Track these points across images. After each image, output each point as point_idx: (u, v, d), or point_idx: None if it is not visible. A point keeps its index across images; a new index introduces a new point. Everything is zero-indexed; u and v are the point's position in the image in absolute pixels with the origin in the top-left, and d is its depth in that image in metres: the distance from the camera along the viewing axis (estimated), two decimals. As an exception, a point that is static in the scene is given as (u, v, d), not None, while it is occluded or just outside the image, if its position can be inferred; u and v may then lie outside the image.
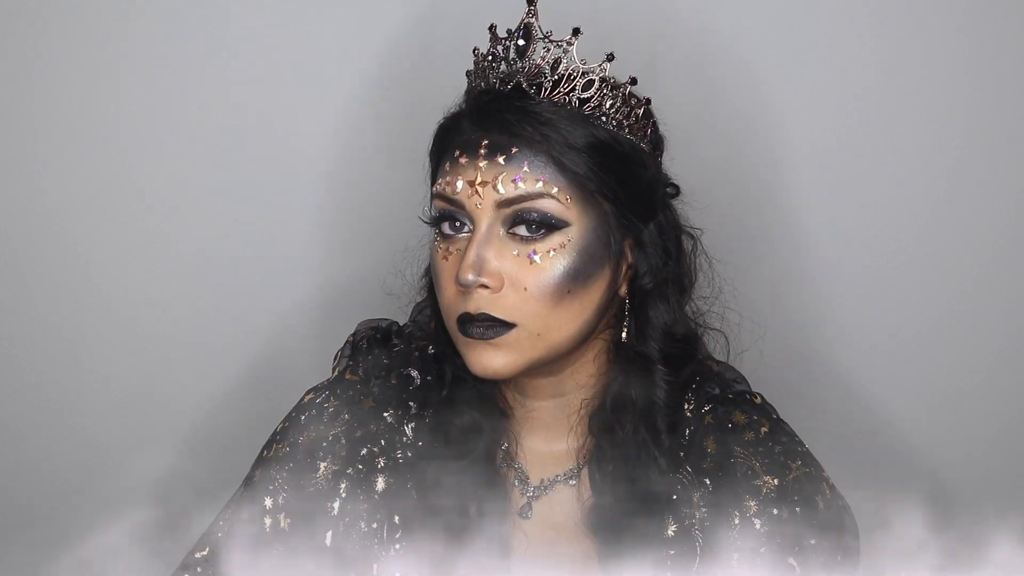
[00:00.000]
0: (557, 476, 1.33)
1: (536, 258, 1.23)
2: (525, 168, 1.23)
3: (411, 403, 1.37)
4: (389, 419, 1.36)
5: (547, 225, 1.23)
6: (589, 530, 1.30)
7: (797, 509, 1.26)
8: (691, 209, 1.39)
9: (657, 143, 1.34)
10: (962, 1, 1.67)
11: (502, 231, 1.24)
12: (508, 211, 1.23)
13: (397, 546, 1.31)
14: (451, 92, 1.34)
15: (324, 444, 1.35)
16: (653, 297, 1.30)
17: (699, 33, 1.68)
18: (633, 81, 1.29)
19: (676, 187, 1.37)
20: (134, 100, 1.70)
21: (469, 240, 1.24)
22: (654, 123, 1.33)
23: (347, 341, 1.43)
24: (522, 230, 1.23)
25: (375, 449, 1.35)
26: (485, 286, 1.22)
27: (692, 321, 1.36)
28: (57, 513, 1.71)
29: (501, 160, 1.23)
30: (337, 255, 1.74)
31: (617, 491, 1.28)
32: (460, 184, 1.24)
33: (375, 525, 1.32)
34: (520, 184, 1.23)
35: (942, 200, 1.70)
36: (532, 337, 1.24)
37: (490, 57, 1.29)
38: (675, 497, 1.28)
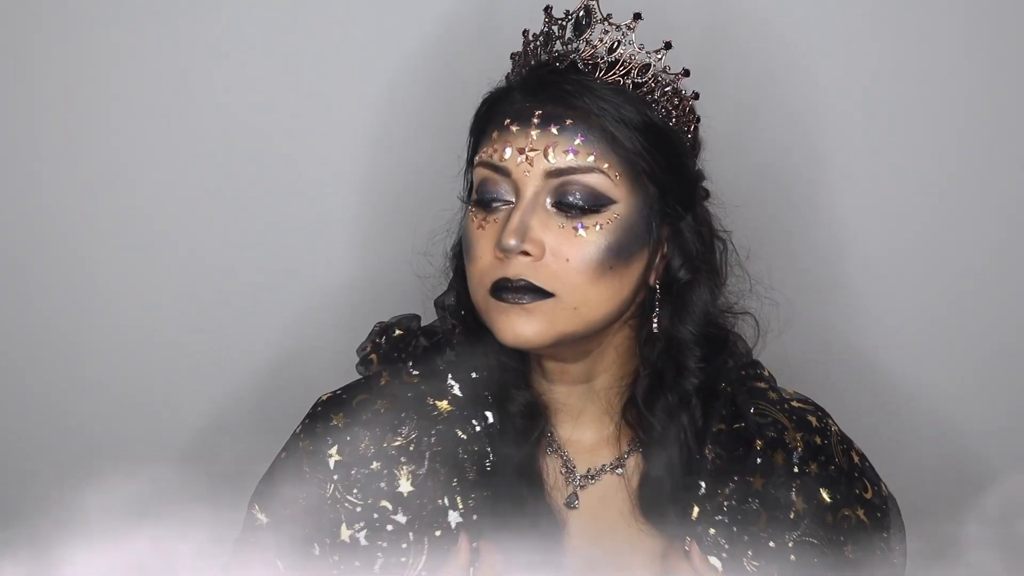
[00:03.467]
0: (604, 466, 1.32)
1: (581, 231, 1.23)
2: (578, 140, 1.23)
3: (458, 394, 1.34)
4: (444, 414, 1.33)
5: (595, 200, 1.23)
6: (640, 517, 1.30)
7: (832, 467, 1.30)
8: (723, 207, 1.39)
9: (696, 143, 1.35)
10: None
11: (548, 202, 1.23)
12: (556, 182, 1.23)
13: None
14: (481, 75, 1.35)
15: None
16: (691, 284, 1.30)
17: (752, 26, 1.69)
18: (686, 73, 1.30)
19: (707, 190, 1.37)
20: (151, 91, 1.70)
21: (512, 208, 1.24)
22: (698, 120, 1.34)
23: (369, 339, 1.42)
24: (568, 203, 1.23)
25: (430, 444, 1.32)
26: (527, 253, 1.21)
27: (724, 314, 1.37)
28: (61, 514, 1.68)
29: (554, 130, 1.23)
30: (364, 244, 1.74)
31: (665, 478, 1.28)
32: (509, 151, 1.24)
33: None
34: (572, 156, 1.23)
35: (982, 197, 1.71)
36: (568, 310, 1.23)
37: (543, 37, 1.30)
38: (703, 484, 1.29)
